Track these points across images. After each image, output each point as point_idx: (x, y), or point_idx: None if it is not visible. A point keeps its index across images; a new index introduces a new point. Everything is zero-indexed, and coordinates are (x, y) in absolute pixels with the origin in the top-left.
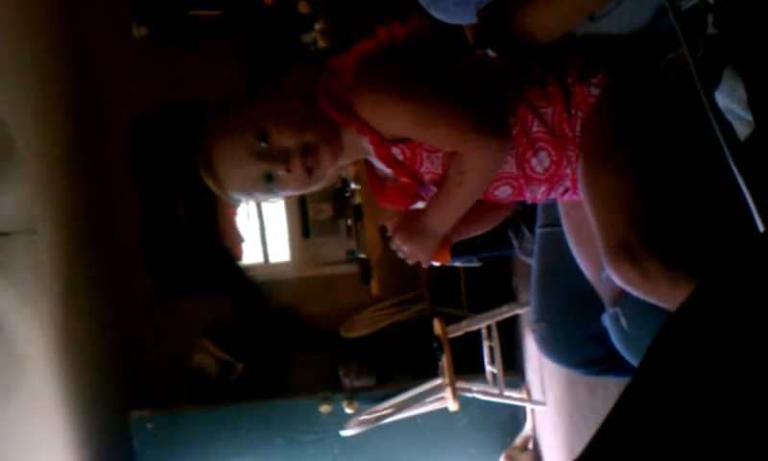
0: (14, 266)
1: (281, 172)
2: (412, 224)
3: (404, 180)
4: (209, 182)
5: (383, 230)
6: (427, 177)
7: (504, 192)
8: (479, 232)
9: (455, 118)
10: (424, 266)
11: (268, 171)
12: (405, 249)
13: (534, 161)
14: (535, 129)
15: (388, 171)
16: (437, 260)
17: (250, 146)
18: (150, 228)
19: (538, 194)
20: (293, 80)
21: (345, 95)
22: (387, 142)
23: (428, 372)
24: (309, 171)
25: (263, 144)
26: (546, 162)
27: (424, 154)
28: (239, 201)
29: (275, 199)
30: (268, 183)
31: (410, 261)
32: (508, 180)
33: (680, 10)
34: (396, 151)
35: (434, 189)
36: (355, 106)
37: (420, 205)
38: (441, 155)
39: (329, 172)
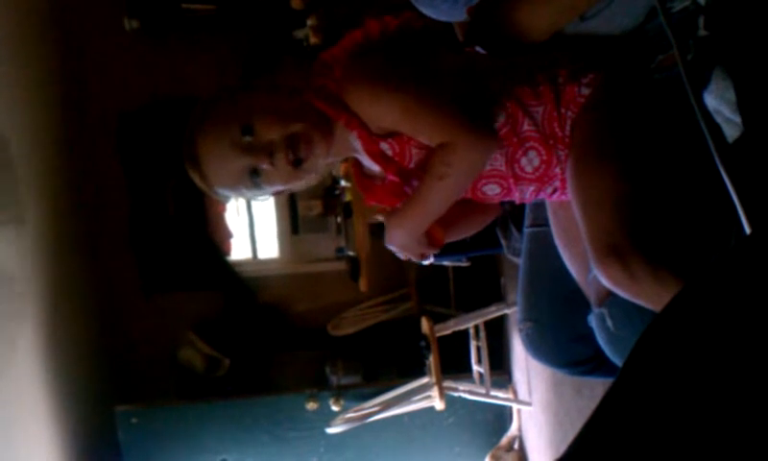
0: (0, 257)
1: (265, 166)
2: (390, 223)
3: (391, 178)
4: (196, 179)
5: (373, 228)
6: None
7: (492, 191)
8: (462, 236)
9: (444, 112)
10: (420, 259)
11: (252, 165)
12: (393, 247)
13: (524, 161)
14: (525, 127)
15: (376, 168)
16: (432, 246)
17: (234, 141)
18: (138, 222)
19: (527, 194)
20: (283, 74)
21: (335, 88)
22: (376, 137)
23: (415, 370)
24: (296, 163)
25: (248, 138)
26: (536, 162)
27: (413, 150)
28: (226, 197)
29: (262, 196)
30: (254, 179)
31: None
32: (497, 178)
33: (671, 11)
34: (384, 146)
35: None
36: (345, 98)
37: None
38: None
39: (319, 165)
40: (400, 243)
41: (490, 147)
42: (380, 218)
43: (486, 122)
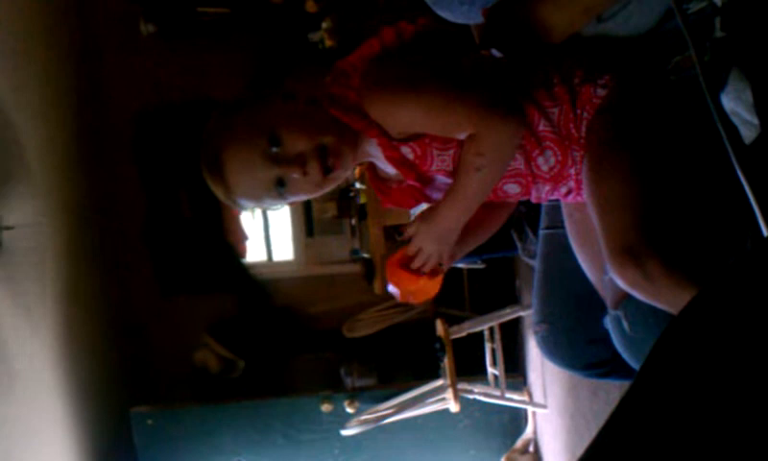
0: (18, 259)
1: (296, 175)
2: (429, 222)
3: (411, 182)
4: (218, 191)
5: (388, 230)
6: (438, 176)
7: (513, 190)
8: (477, 245)
9: (468, 99)
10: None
11: (281, 176)
12: (425, 249)
13: (540, 160)
14: (541, 128)
15: (392, 171)
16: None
17: (262, 151)
18: (154, 224)
19: (542, 193)
20: (299, 82)
21: (353, 97)
22: (396, 142)
23: (430, 372)
24: (327, 172)
25: (275, 149)
26: (552, 161)
27: (435, 152)
28: (247, 208)
29: (283, 205)
30: (279, 189)
31: (428, 267)
32: (517, 177)
33: (687, 12)
34: (405, 150)
35: (441, 192)
36: (365, 106)
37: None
38: (451, 153)
39: (346, 174)
40: (440, 237)
41: (517, 125)
42: (407, 231)
43: (512, 103)
